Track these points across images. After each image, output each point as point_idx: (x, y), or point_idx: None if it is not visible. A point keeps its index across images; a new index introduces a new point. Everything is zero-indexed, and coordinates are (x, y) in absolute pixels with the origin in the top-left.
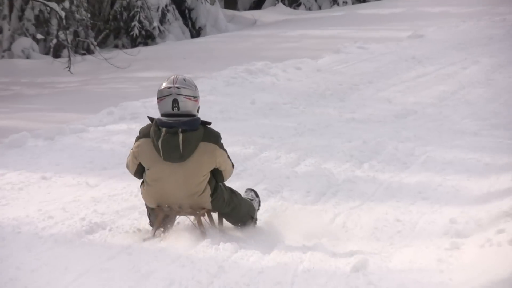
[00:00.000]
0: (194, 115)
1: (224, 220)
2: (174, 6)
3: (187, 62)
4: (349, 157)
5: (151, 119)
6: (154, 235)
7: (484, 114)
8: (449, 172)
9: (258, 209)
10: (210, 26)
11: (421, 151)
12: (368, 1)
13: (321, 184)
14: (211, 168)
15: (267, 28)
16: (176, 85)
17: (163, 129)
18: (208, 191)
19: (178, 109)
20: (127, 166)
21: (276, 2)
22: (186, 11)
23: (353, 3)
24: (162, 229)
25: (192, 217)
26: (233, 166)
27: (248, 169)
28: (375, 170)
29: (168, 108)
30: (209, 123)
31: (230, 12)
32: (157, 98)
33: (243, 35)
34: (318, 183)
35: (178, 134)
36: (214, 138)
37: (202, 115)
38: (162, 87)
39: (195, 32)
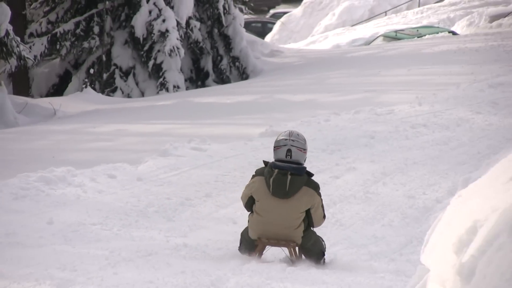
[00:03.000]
0: (301, 164)
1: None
2: None
3: None
4: None
5: (265, 162)
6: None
7: (360, 240)
8: None
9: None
10: None
11: None
12: (208, 86)
13: None
14: (307, 208)
15: (71, 121)
16: (291, 138)
17: (276, 170)
18: (302, 227)
19: (291, 157)
20: (241, 198)
21: (83, 86)
22: None
23: (187, 88)
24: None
25: (285, 249)
26: (324, 216)
27: None
28: None
29: (282, 156)
30: (312, 175)
31: (21, 99)
32: (274, 147)
33: (38, 131)
34: None
35: (287, 176)
36: (314, 186)
37: None
38: (279, 139)
39: None
